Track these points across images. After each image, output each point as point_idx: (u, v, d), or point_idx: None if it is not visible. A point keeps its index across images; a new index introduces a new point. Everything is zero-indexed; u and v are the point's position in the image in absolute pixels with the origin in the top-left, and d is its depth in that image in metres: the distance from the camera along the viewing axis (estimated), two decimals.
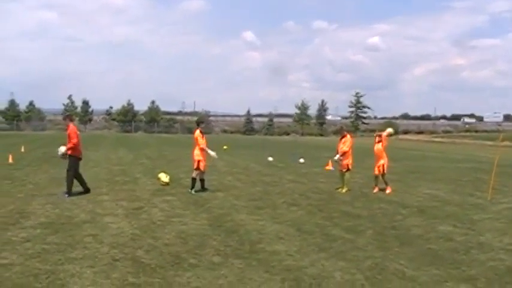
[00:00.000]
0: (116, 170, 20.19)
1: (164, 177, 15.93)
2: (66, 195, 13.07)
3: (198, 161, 14.20)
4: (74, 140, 13.28)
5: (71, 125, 13.64)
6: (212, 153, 14.43)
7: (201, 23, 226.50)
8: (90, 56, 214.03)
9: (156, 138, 59.72)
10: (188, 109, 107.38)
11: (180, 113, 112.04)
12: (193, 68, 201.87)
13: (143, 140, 54.44)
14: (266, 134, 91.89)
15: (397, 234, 9.51)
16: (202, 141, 14.18)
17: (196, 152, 14.27)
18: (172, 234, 9.10)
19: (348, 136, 15.45)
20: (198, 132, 14.36)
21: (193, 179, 14.31)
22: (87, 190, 13.71)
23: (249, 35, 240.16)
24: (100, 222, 10.04)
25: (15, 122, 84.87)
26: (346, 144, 15.22)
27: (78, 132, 13.71)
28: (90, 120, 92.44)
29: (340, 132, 16.02)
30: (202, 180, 14.54)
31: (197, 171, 14.27)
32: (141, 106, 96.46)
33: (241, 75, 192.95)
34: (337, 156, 15.27)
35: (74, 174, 13.52)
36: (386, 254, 8.05)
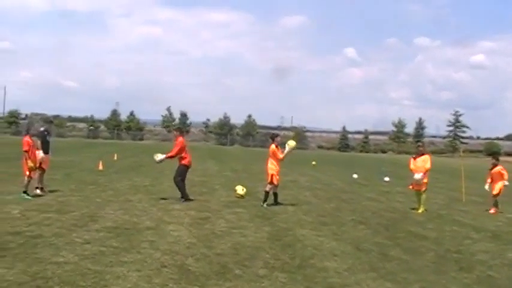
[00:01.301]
0: (196, 180, 20.59)
1: (240, 190, 16.09)
2: (182, 200, 14.24)
3: (272, 175, 14.26)
4: (175, 150, 14.51)
5: (180, 138, 14.76)
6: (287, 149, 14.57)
7: (302, 39, 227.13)
8: (191, 70, 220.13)
9: (248, 152, 60.42)
10: (286, 124, 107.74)
11: (278, 127, 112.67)
12: (292, 83, 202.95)
13: (235, 153, 55.31)
14: (361, 151, 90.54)
15: (458, 258, 9.10)
16: (280, 155, 14.27)
17: (270, 165, 14.36)
18: (228, 245, 9.19)
19: (427, 155, 15.04)
20: (273, 146, 14.45)
21: (266, 193, 14.37)
22: (186, 197, 14.48)
23: (350, 52, 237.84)
24: (162, 229, 10.30)
25: (115, 131, 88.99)
26: (427, 163, 14.81)
27: (185, 144, 14.83)
28: (188, 132, 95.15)
29: (418, 151, 15.57)
30: (275, 194, 14.57)
31: (270, 185, 14.33)
32: (237, 120, 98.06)
33: (341, 91, 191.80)
34: (420, 174, 14.79)
35: (182, 179, 14.61)
36: (439, 278, 7.72)
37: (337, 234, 10.69)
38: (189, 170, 15.02)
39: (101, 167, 23.55)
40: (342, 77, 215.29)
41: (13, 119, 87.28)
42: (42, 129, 15.00)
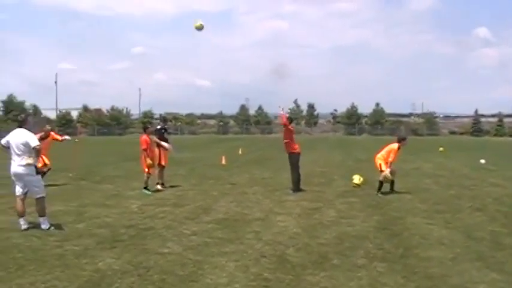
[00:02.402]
0: (317, 171, 20.60)
1: (357, 179, 15.91)
2: (291, 191, 14.40)
3: (380, 164, 14.27)
4: (284, 121, 14.63)
5: (289, 126, 14.82)
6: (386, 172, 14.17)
7: (431, 22, 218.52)
8: (318, 61, 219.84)
9: (376, 141, 59.24)
10: (417, 111, 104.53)
11: (409, 114, 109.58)
12: (423, 69, 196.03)
13: (362, 142, 54.57)
14: (495, 135, 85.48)
15: None
16: (393, 157, 14.00)
17: (379, 156, 14.42)
18: (333, 234, 9.13)
19: None
20: (395, 145, 14.20)
21: (380, 182, 14.11)
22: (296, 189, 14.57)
23: (482, 32, 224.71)
24: (270, 220, 10.44)
25: (244, 125, 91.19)
26: None
27: (294, 132, 15.10)
28: (316, 123, 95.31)
29: None
30: (392, 182, 14.25)
31: (383, 173, 14.06)
32: (365, 109, 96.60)
33: (475, 74, 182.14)
34: None
35: (297, 170, 14.71)
36: None
37: (450, 222, 10.22)
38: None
39: (224, 162, 24.26)
40: (474, 58, 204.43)
41: (147, 119, 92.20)
42: (159, 127, 15.76)
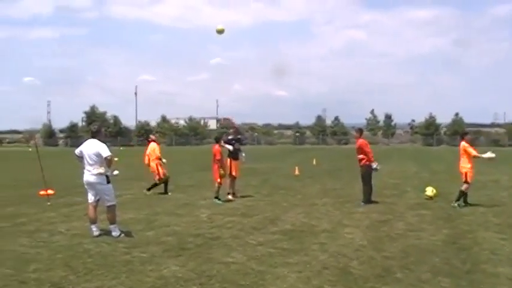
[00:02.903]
0: (390, 183, 20.26)
1: (429, 191, 15.52)
2: (362, 203, 14.18)
3: (466, 173, 13.72)
4: (369, 157, 14.43)
5: (360, 139, 14.79)
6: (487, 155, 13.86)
7: None
8: (395, 71, 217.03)
9: (454, 152, 57.32)
10: (499, 120, 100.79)
11: (492, 124, 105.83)
12: (505, 77, 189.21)
13: (439, 153, 53.06)
14: None
15: None
16: (473, 151, 13.65)
17: (462, 164, 13.85)
18: (399, 248, 8.96)
19: None
20: (463, 143, 13.87)
21: (461, 192, 13.74)
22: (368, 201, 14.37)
23: None
24: (338, 232, 10.36)
25: (320, 136, 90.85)
26: None
27: (367, 145, 14.77)
28: (393, 134, 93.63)
29: None
30: (465, 195, 13.83)
31: (467, 184, 13.68)
32: (444, 119, 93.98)
33: None
34: None
35: (369, 182, 14.53)
36: None
37: None
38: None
39: (297, 172, 24.29)
40: None
41: (224, 130, 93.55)
42: (230, 137, 15.99)
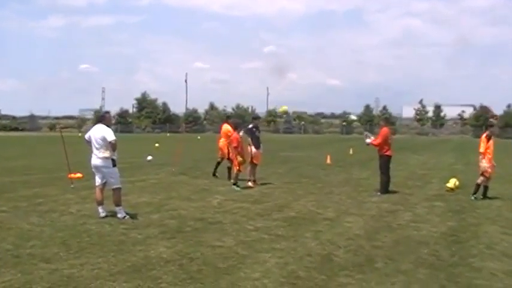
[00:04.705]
0: (418, 173, 20.14)
1: (452, 183, 15.36)
2: (378, 193, 14.21)
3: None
4: (378, 140, 14.66)
5: (384, 128, 14.97)
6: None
7: None
8: (450, 61, 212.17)
9: (502, 144, 55.83)
10: None
11: None
12: None
13: None
14: None
15: None
16: (484, 146, 13.44)
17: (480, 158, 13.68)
18: (393, 238, 8.98)
19: None
20: (483, 137, 13.69)
21: (477, 185, 13.59)
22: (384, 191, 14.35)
23: None
24: (339, 221, 10.42)
25: (368, 125, 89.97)
26: None
27: (388, 135, 14.86)
28: (442, 124, 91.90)
29: None
30: (485, 187, 13.66)
31: (483, 177, 13.53)
32: (496, 110, 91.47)
33: None
34: None
35: (386, 172, 14.63)
36: None
37: None
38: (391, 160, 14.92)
39: (329, 161, 24.31)
40: None
41: (271, 118, 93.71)
42: (250, 126, 16.14)
